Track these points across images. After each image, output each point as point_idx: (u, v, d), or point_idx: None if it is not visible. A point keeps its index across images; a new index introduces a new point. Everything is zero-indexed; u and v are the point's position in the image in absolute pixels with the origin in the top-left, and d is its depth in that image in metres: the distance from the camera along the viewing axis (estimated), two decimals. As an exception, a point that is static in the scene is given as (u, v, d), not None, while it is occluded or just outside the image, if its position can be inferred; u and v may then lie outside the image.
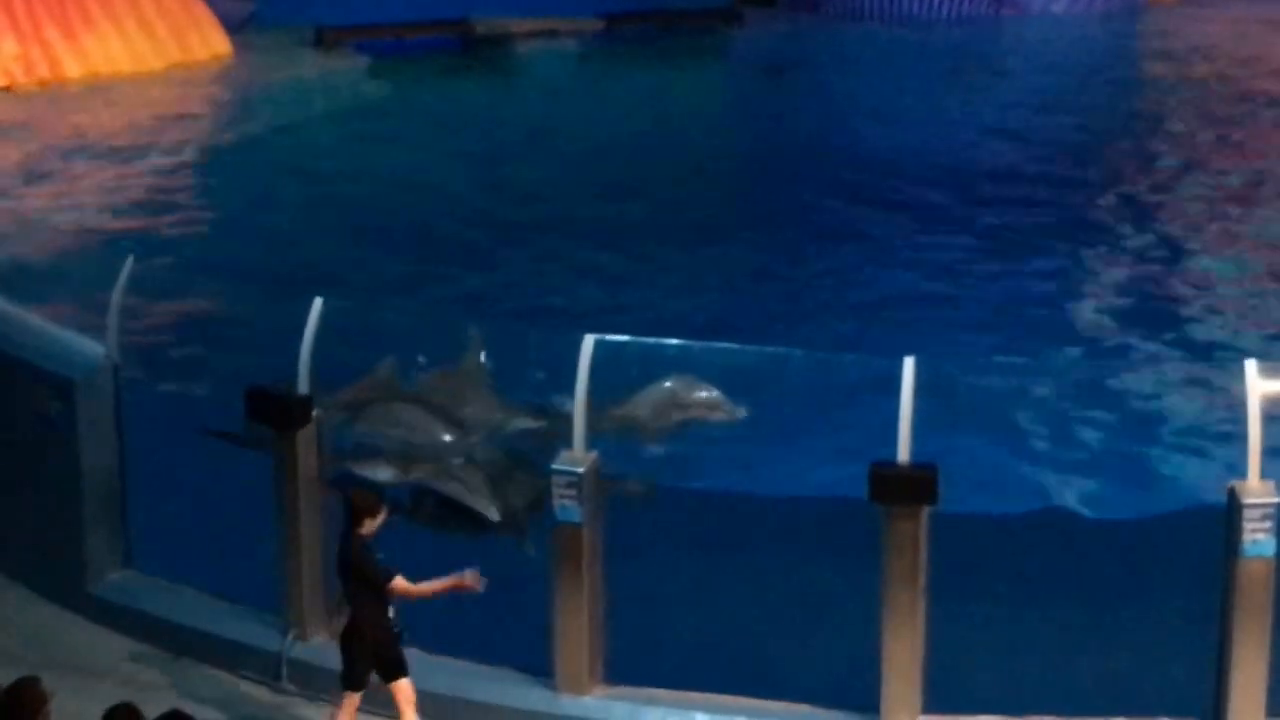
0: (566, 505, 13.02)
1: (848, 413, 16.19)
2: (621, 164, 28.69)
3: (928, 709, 12.93)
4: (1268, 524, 12.32)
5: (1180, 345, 20.51)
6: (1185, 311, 21.79)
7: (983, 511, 15.37)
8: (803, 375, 15.52)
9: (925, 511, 12.60)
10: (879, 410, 13.05)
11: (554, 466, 13.11)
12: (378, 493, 12.74)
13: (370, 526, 12.18)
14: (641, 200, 26.63)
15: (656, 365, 15.99)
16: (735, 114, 35.60)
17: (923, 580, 12.61)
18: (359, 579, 12.22)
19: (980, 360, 18.50)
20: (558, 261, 23.39)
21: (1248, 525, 12.32)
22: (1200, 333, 21.05)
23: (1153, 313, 21.74)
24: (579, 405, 13.13)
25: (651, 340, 14.47)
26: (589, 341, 13.19)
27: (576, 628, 13.23)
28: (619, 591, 13.44)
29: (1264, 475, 12.47)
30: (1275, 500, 12.37)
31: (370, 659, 12.38)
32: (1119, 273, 23.43)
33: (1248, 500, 12.34)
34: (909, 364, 12.64)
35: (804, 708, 13.07)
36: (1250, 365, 12.56)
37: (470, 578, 12.15)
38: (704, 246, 24.24)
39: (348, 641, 12.43)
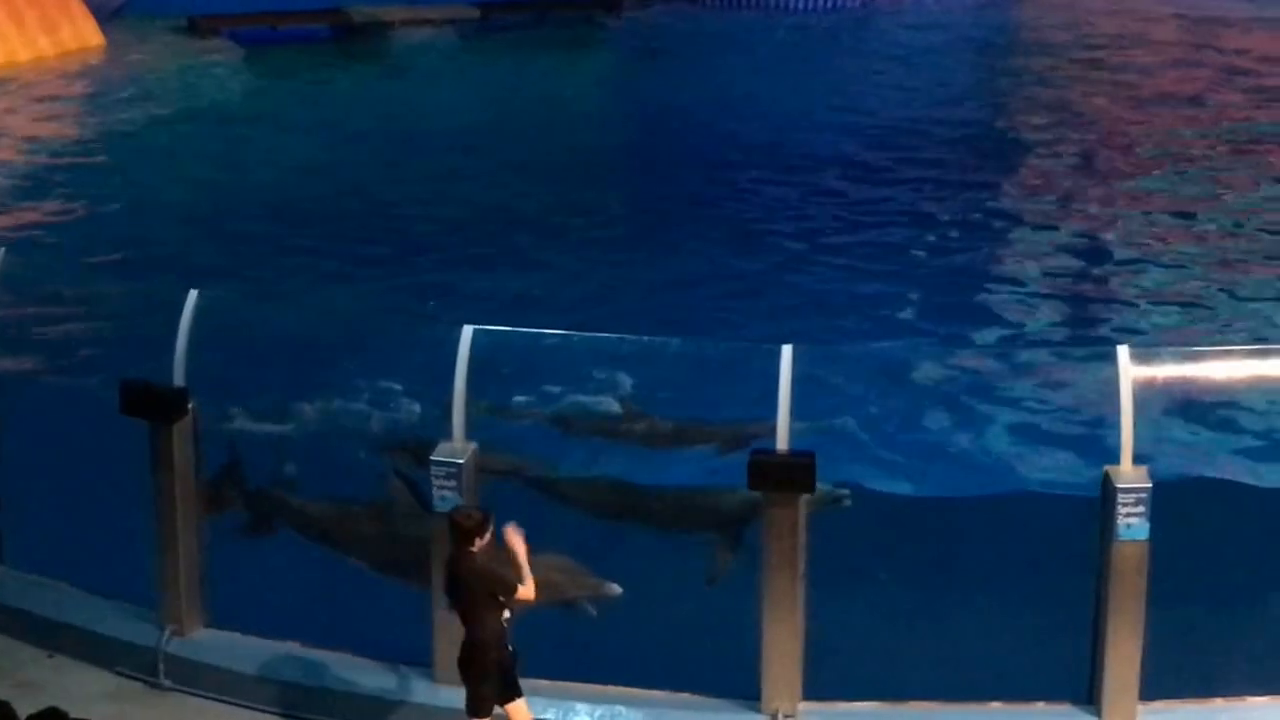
0: (446, 496, 12.97)
1: (728, 400, 16.22)
2: (497, 154, 28.58)
3: (807, 695, 12.99)
4: (1141, 508, 12.46)
5: (1053, 331, 20.74)
6: (1057, 298, 22.02)
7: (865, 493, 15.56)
8: (682, 363, 15.55)
9: (803, 499, 12.65)
10: (759, 397, 13.10)
11: (434, 458, 13.06)
12: (482, 510, 12.28)
13: (481, 544, 11.83)
14: (518, 189, 26.55)
15: (536, 356, 15.93)
16: (613, 103, 35.57)
17: (802, 567, 12.66)
18: (485, 593, 11.80)
19: (858, 347, 18.60)
20: (434, 253, 23.29)
21: (1122, 509, 12.46)
22: (1072, 319, 21.28)
23: (1026, 299, 21.95)
24: (458, 394, 13.07)
25: (531, 330, 14.42)
26: (467, 332, 13.14)
27: (455, 618, 13.16)
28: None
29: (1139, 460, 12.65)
30: (1148, 485, 12.51)
31: (496, 680, 11.97)
32: (999, 259, 23.62)
33: (1122, 485, 12.48)
34: (787, 352, 12.68)
35: (684, 696, 13.09)
36: (1123, 351, 12.69)
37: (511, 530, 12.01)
38: (585, 235, 24.21)
39: (468, 667, 11.97)
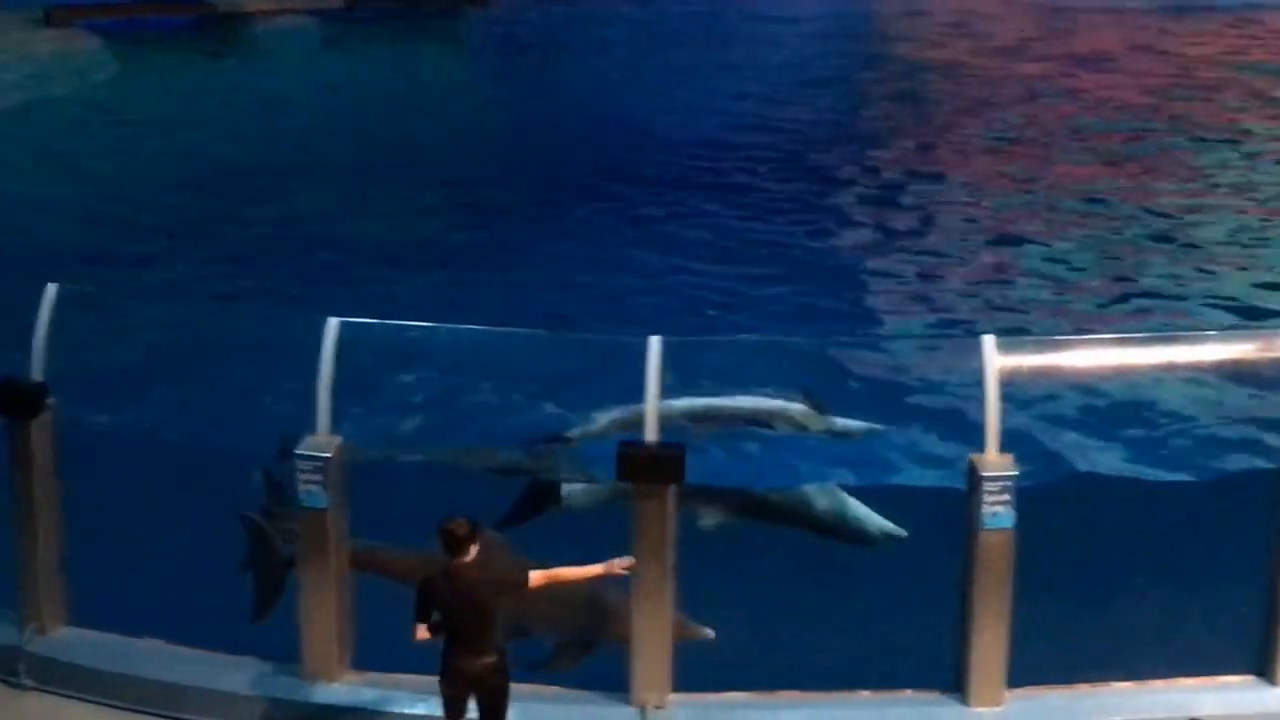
0: (311, 490, 12.84)
1: (597, 391, 16.23)
2: (360, 145, 28.42)
3: (677, 688, 12.98)
4: (1006, 497, 12.53)
5: (921, 321, 20.89)
6: (925, 288, 22.19)
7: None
8: (550, 354, 15.52)
9: (672, 490, 12.63)
10: (628, 388, 13.08)
11: (299, 451, 12.92)
12: (470, 519, 11.91)
13: (474, 553, 11.42)
14: (378, 179, 26.40)
15: (401, 348, 15.85)
16: (479, 93, 35.46)
17: (671, 558, 12.64)
18: (494, 600, 11.39)
19: (725, 339, 18.64)
20: (293, 243, 23.11)
21: (987, 498, 12.52)
22: (939, 309, 21.46)
23: (895, 290, 22.11)
24: (323, 388, 12.93)
25: (395, 323, 14.30)
26: (333, 324, 13.01)
27: (323, 614, 13.06)
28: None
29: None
30: (1014, 473, 12.58)
31: (498, 697, 11.55)
32: (866, 250, 23.79)
33: (987, 473, 12.54)
34: (654, 343, 12.66)
35: (553, 689, 13.03)
36: (988, 340, 12.75)
37: (621, 564, 11.76)
38: (451, 224, 24.12)
39: (461, 689, 11.49)
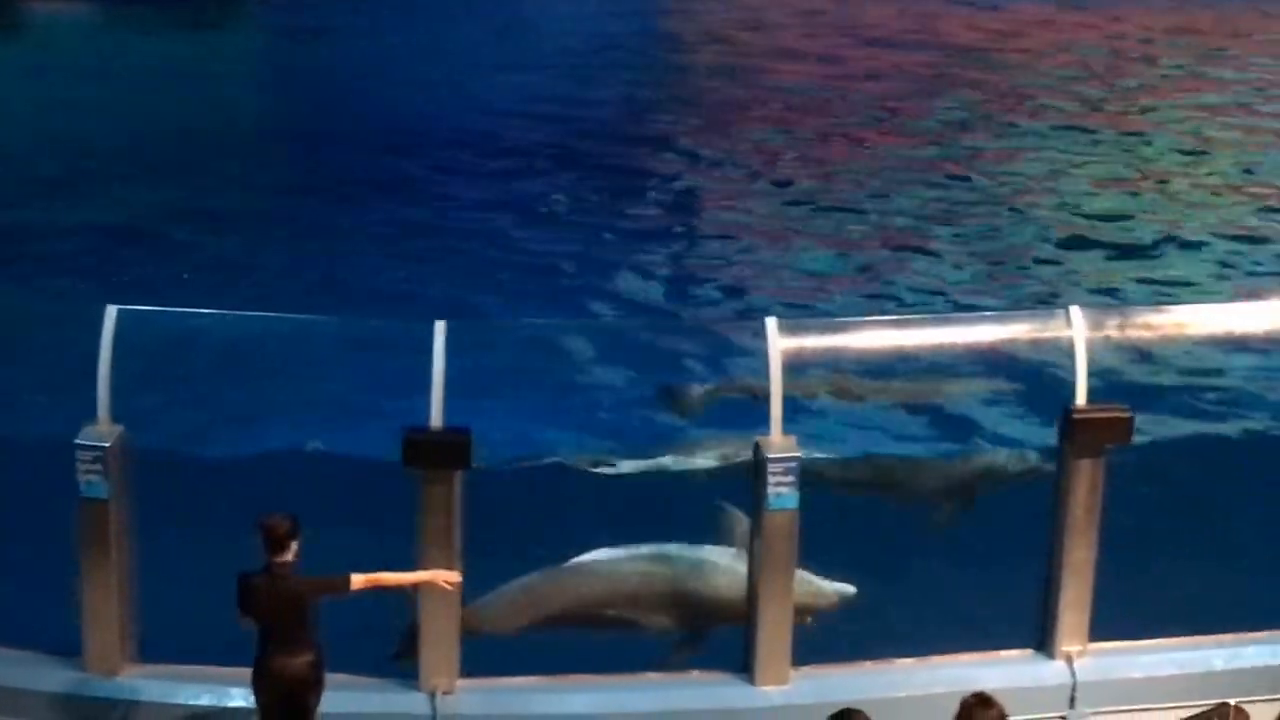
0: (92, 480, 12.63)
1: (383, 378, 16.14)
2: (136, 134, 27.93)
3: (466, 673, 12.97)
4: (790, 478, 12.68)
5: (705, 305, 21.06)
6: (707, 274, 22.37)
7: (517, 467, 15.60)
8: (339, 342, 15.42)
9: (459, 475, 12.61)
10: (413, 374, 13.02)
11: (77, 441, 12.71)
12: (292, 516, 11.57)
13: (295, 549, 11.33)
14: (160, 169, 26.02)
15: (184, 335, 15.64)
16: (262, 80, 35.04)
17: (458, 544, 12.62)
18: (314, 598, 11.32)
19: (514, 322, 18.65)
20: (76, 237, 22.73)
21: (771, 479, 12.65)
22: (722, 293, 21.64)
23: (677, 276, 22.27)
24: (102, 376, 12.73)
25: (178, 310, 14.10)
26: (111, 312, 12.81)
27: (105, 606, 12.85)
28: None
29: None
30: (798, 454, 12.73)
31: (314, 699, 11.32)
32: (649, 235, 23.90)
33: (771, 455, 12.68)
34: (440, 328, 12.62)
35: (341, 677, 12.92)
36: (771, 323, 12.88)
37: (446, 576, 11.81)
38: (238, 216, 23.85)
39: (278, 688, 11.20)
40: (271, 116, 31.15)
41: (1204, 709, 10.76)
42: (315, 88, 32.46)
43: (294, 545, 11.37)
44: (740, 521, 13.96)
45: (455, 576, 12.07)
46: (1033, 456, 16.33)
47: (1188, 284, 22.42)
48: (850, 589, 14.33)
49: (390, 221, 24.08)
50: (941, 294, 21.70)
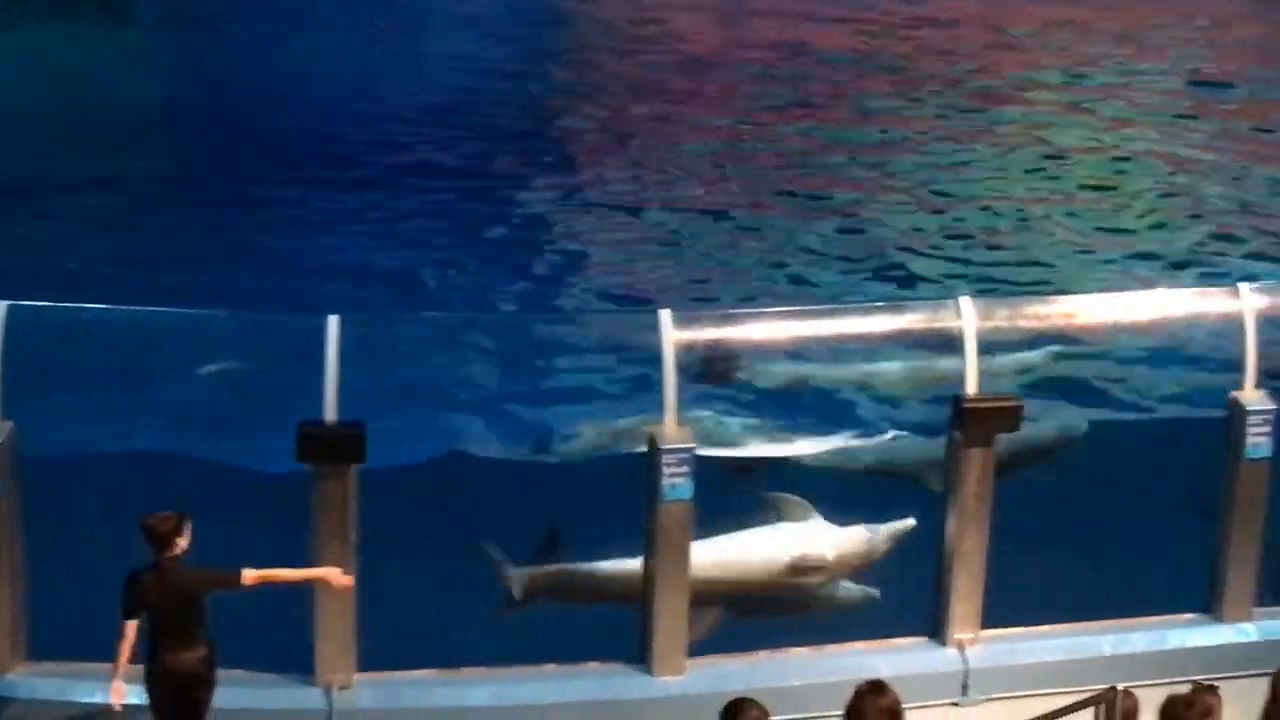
0: (-19, 478, 12.55)
1: (278, 372, 16.08)
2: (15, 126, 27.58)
3: (363, 667, 12.97)
4: (685, 468, 12.76)
5: (598, 296, 21.10)
6: (601, 266, 22.42)
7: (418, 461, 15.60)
8: (230, 337, 15.35)
9: (353, 469, 12.60)
10: (306, 369, 12.99)
11: (-29, 437, 12.61)
12: (176, 512, 11.48)
13: (183, 545, 11.27)
14: (39, 160, 25.73)
15: (77, 330, 15.52)
16: (142, 72, 34.59)
17: (353, 538, 12.61)
18: (204, 594, 11.27)
19: (408, 315, 18.62)
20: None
21: (666, 470, 12.73)
22: (614, 285, 21.71)
23: (571, 267, 22.29)
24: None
25: (72, 305, 14.00)
26: (2, 308, 12.72)
27: (-4, 604, 12.79)
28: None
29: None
30: (692, 445, 12.82)
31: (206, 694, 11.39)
32: (543, 225, 23.90)
33: (666, 445, 12.75)
34: (333, 322, 12.61)
35: (238, 672, 12.90)
36: (664, 315, 12.98)
37: (338, 576, 11.77)
38: (117, 210, 23.63)
39: (171, 684, 11.29)
40: (155, 104, 30.77)
41: (1092, 694, 10.90)
42: (196, 78, 32.13)
43: (181, 541, 11.33)
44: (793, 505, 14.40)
45: (348, 580, 12.05)
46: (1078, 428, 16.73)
47: (1072, 274, 22.73)
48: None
49: (268, 216, 23.94)
50: (828, 286, 21.87)
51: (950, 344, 13.38)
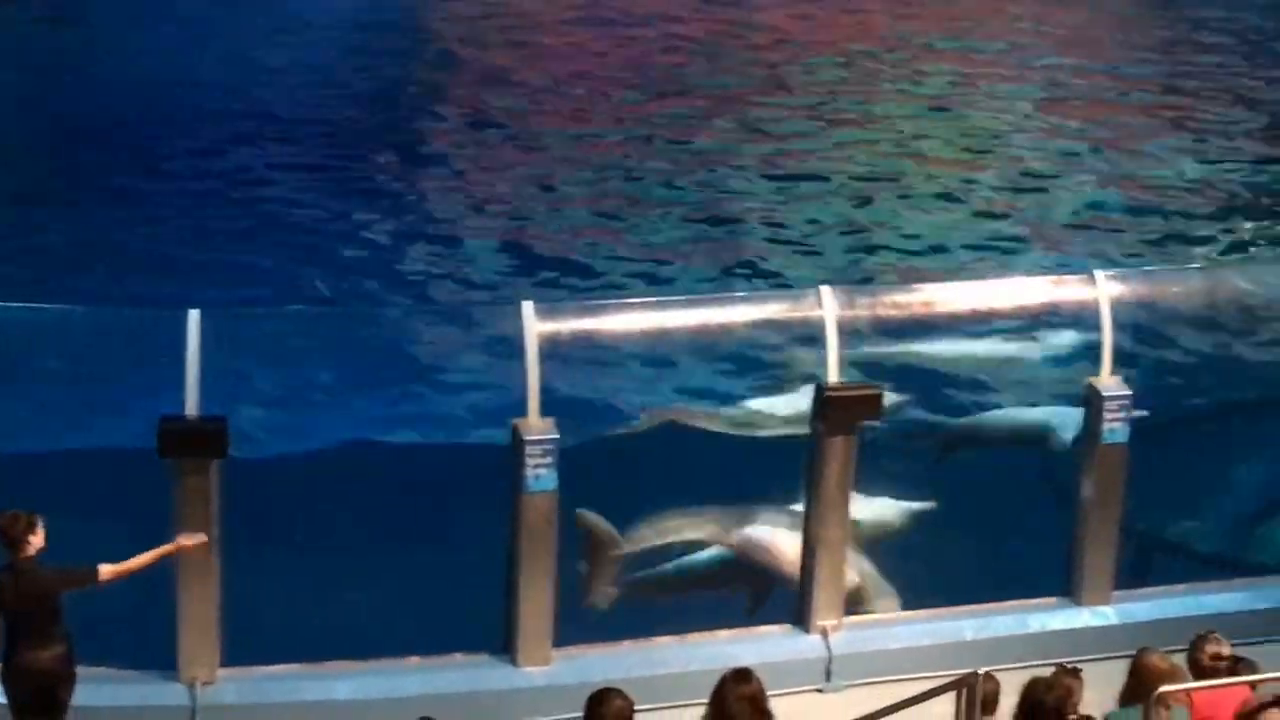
0: None
1: (137, 368, 15.93)
2: None
3: (226, 662, 12.87)
4: (549, 459, 12.77)
5: (461, 289, 21.08)
6: (462, 258, 22.39)
7: (284, 455, 15.50)
8: (89, 332, 15.18)
9: (215, 464, 12.51)
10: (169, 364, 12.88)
11: None
12: (27, 512, 11.26)
13: (37, 544, 11.08)
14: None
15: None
16: (13, 68, 34.11)
17: (215, 532, 12.52)
18: (59, 594, 11.08)
19: (270, 310, 18.50)
20: None
21: (530, 461, 12.74)
22: (477, 277, 21.70)
23: (433, 259, 22.25)
24: None
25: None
26: None
27: None
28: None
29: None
30: (555, 436, 12.83)
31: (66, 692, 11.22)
32: (404, 220, 23.81)
33: (529, 437, 12.76)
34: (194, 317, 12.51)
35: (100, 669, 12.78)
36: (527, 306, 12.98)
37: (187, 541, 11.64)
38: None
39: (31, 683, 11.12)
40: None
41: (954, 678, 11.02)
42: (69, 80, 31.67)
43: (34, 540, 11.21)
44: None
45: (200, 538, 11.92)
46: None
47: (935, 261, 22.95)
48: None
49: (142, 209, 23.69)
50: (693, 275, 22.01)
51: (814, 333, 13.48)
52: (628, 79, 31.23)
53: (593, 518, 14.89)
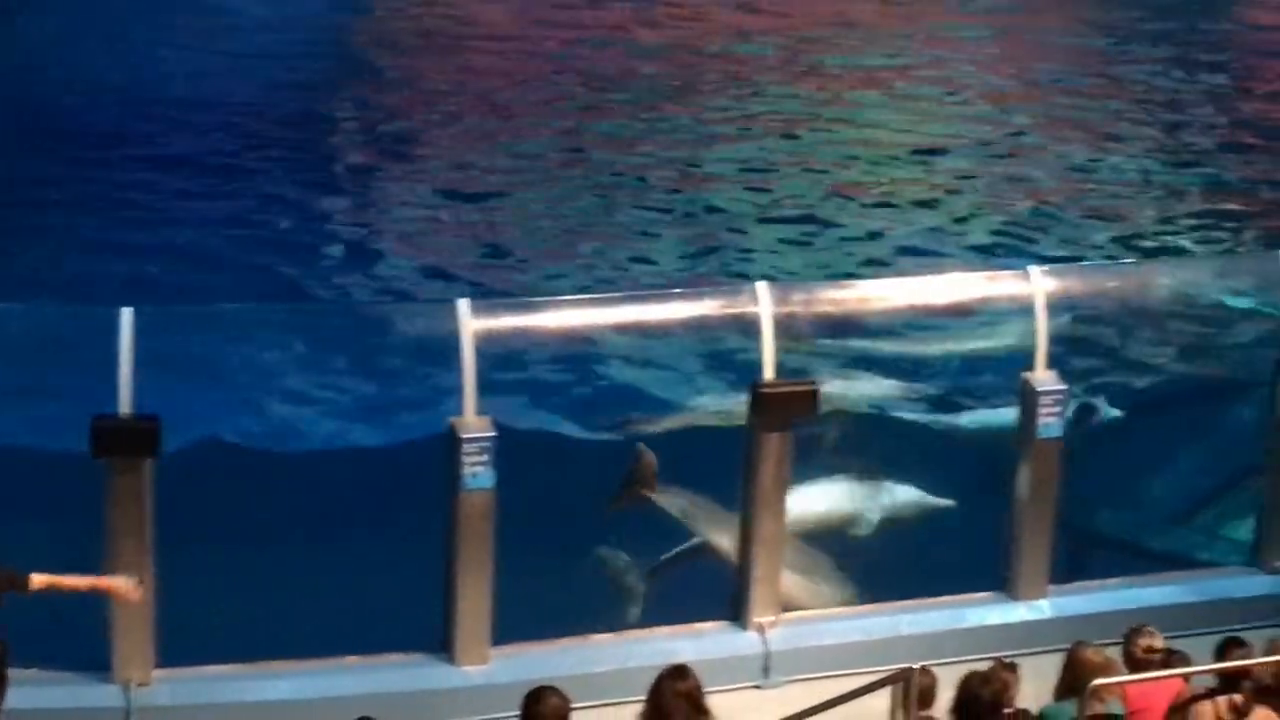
0: None
1: (70, 367, 15.82)
2: None
3: (161, 663, 12.79)
4: (485, 457, 12.74)
5: (394, 286, 21.04)
6: (398, 255, 22.33)
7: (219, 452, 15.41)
8: (19, 329, 15.06)
9: (149, 463, 12.43)
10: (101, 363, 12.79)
11: None
12: None
13: None
14: None
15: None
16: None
17: (150, 534, 12.44)
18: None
19: (205, 308, 18.40)
20: None
21: (467, 459, 12.71)
22: (408, 273, 21.67)
23: (368, 255, 22.19)
24: None
25: None
26: None
27: None
28: None
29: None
30: (492, 434, 12.79)
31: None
32: (330, 218, 23.75)
33: (466, 435, 12.72)
34: (126, 315, 12.43)
35: (33, 671, 12.68)
36: (462, 304, 12.95)
37: (126, 585, 11.31)
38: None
39: None
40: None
41: (891, 672, 11.05)
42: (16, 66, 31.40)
43: None
44: None
45: (136, 593, 11.75)
46: None
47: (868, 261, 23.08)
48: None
49: (77, 203, 23.54)
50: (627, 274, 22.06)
51: (749, 328, 13.48)
52: (563, 77, 31.26)
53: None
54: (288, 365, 18.21)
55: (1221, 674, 11.13)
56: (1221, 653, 11.33)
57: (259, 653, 13.16)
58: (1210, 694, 10.81)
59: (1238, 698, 10.82)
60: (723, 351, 17.11)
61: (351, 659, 13.24)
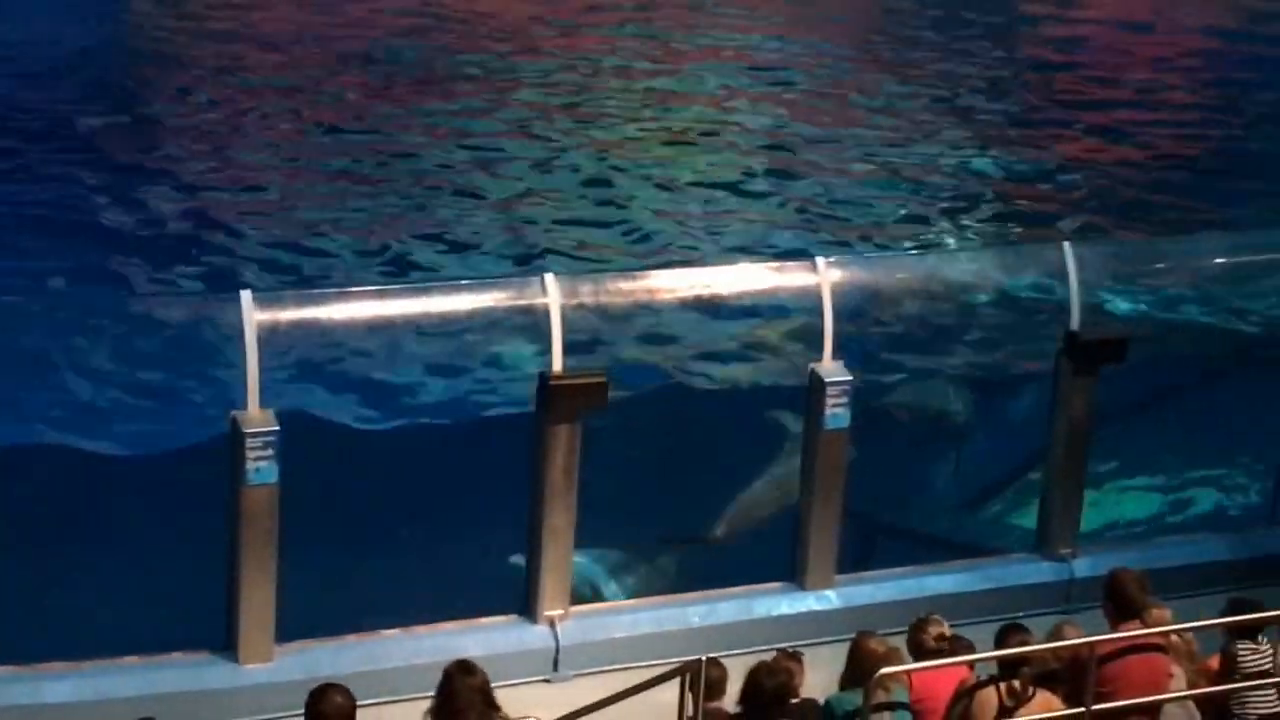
0: None
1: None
2: None
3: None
4: (270, 452, 12.54)
5: (183, 278, 20.74)
6: (205, 244, 22.07)
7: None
8: None
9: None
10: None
11: None
12: None
13: None
14: None
15: None
16: None
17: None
18: None
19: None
20: None
21: (250, 454, 12.50)
22: (204, 268, 21.36)
23: (162, 251, 21.87)
24: None
25: None
26: None
27: None
28: None
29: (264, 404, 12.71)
30: (275, 428, 12.60)
31: None
32: (115, 210, 23.38)
33: (248, 429, 12.52)
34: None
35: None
36: (245, 296, 12.74)
37: None
38: None
39: None
40: None
41: (681, 663, 11.05)
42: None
43: None
44: None
45: None
46: None
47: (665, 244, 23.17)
48: None
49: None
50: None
51: (538, 321, 13.40)
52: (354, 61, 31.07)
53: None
54: (61, 360, 17.84)
55: (1001, 661, 11.28)
56: (1001, 639, 11.47)
57: (36, 655, 12.87)
58: (991, 681, 10.95)
59: (1017, 683, 10.96)
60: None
61: (132, 659, 12.97)
